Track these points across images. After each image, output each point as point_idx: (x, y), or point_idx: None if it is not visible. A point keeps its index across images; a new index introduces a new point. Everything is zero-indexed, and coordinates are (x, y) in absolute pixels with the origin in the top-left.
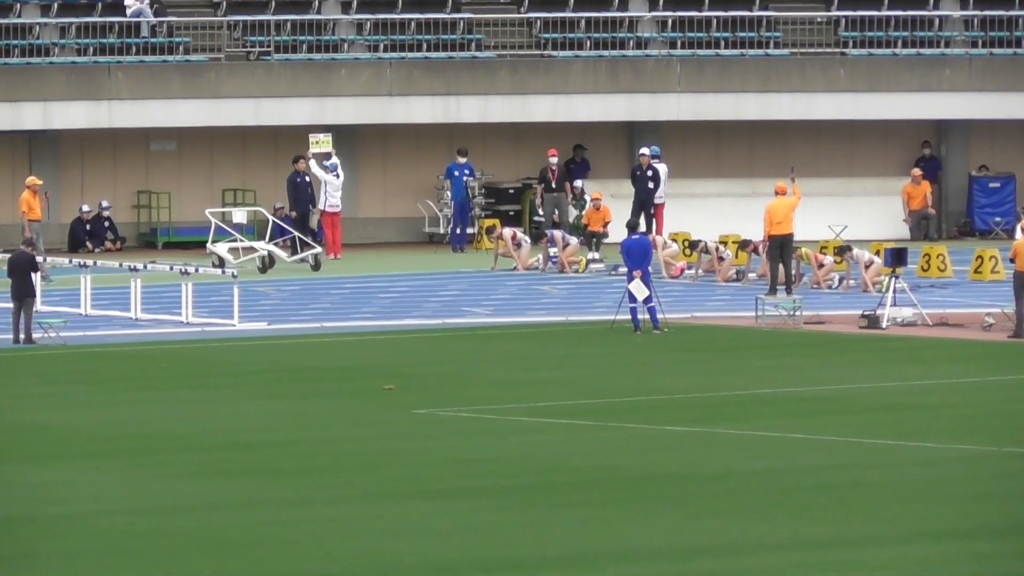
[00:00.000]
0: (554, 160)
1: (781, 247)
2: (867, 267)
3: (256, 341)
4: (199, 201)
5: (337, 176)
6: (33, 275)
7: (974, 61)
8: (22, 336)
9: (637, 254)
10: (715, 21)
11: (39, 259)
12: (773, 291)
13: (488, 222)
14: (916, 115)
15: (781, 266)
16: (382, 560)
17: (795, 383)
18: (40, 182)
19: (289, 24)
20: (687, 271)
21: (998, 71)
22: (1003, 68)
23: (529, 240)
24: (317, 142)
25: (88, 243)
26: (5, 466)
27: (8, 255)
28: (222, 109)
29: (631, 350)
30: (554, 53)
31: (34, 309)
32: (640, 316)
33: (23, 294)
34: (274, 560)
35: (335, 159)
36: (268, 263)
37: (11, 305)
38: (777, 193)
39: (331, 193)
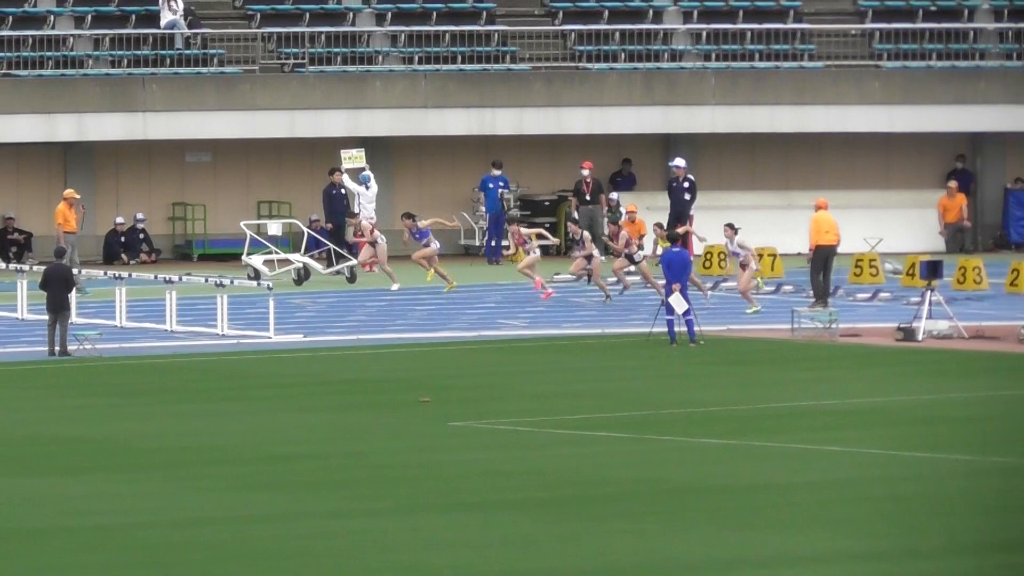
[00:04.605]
0: (586, 172)
1: (825, 259)
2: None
3: (292, 353)
4: (234, 213)
5: (367, 188)
6: (69, 288)
7: (1009, 73)
8: (57, 348)
9: (676, 267)
10: (749, 34)
11: (74, 271)
12: (822, 301)
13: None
14: (951, 128)
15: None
16: (418, 573)
17: (831, 395)
18: (77, 195)
19: (323, 36)
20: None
21: None
22: None
23: (538, 252)
24: (350, 157)
25: (123, 255)
26: (41, 478)
27: (44, 267)
28: (257, 121)
29: (667, 362)
30: (589, 65)
31: (69, 321)
32: (677, 328)
33: (59, 307)
34: (310, 572)
35: (368, 171)
36: (304, 275)
37: (47, 317)
38: (818, 208)
39: (364, 206)
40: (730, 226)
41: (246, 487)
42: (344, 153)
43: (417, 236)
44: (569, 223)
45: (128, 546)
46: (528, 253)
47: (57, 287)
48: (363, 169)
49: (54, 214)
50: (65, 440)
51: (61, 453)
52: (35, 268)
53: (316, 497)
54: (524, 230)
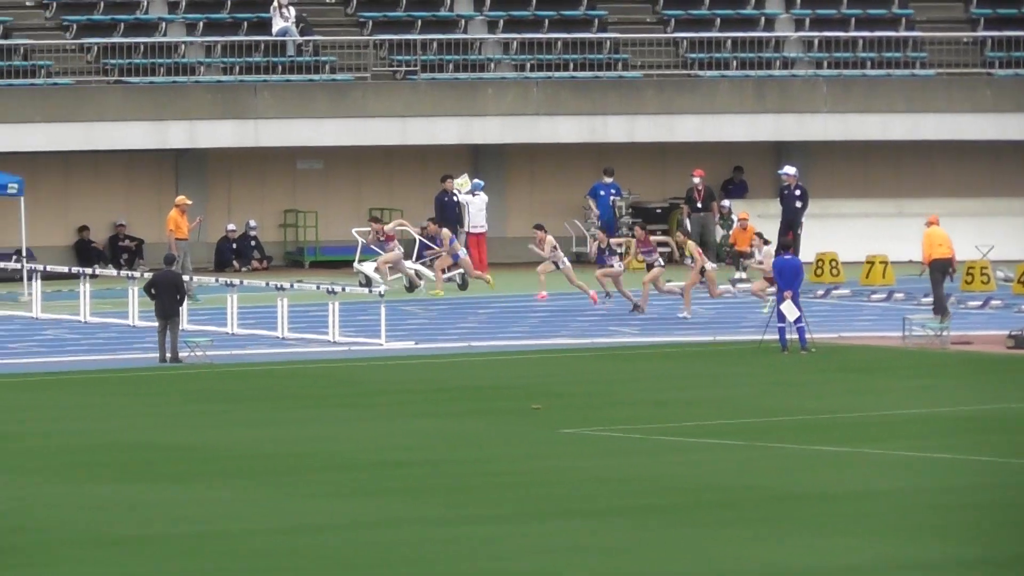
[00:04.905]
0: (697, 180)
1: (943, 272)
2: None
3: (403, 360)
4: (346, 220)
5: (474, 194)
6: (179, 295)
7: None
8: (169, 355)
9: (788, 274)
10: (861, 41)
11: (185, 278)
12: (943, 312)
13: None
14: None
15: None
16: None
17: (942, 403)
18: (189, 202)
19: (435, 43)
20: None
21: None
22: None
23: (566, 262)
24: (460, 184)
25: (235, 262)
26: (149, 484)
27: (153, 274)
28: (368, 128)
29: (778, 370)
30: (700, 73)
31: (180, 328)
32: (788, 336)
33: (168, 313)
34: None
35: (477, 180)
36: (415, 282)
37: (157, 324)
38: (930, 223)
39: (474, 214)
40: (759, 235)
41: (356, 494)
42: (457, 182)
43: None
44: (599, 231)
45: (236, 553)
46: (560, 264)
47: (166, 294)
48: (473, 192)
49: (166, 221)
50: (174, 447)
51: (170, 460)
52: (146, 275)
53: (427, 504)
54: (551, 238)
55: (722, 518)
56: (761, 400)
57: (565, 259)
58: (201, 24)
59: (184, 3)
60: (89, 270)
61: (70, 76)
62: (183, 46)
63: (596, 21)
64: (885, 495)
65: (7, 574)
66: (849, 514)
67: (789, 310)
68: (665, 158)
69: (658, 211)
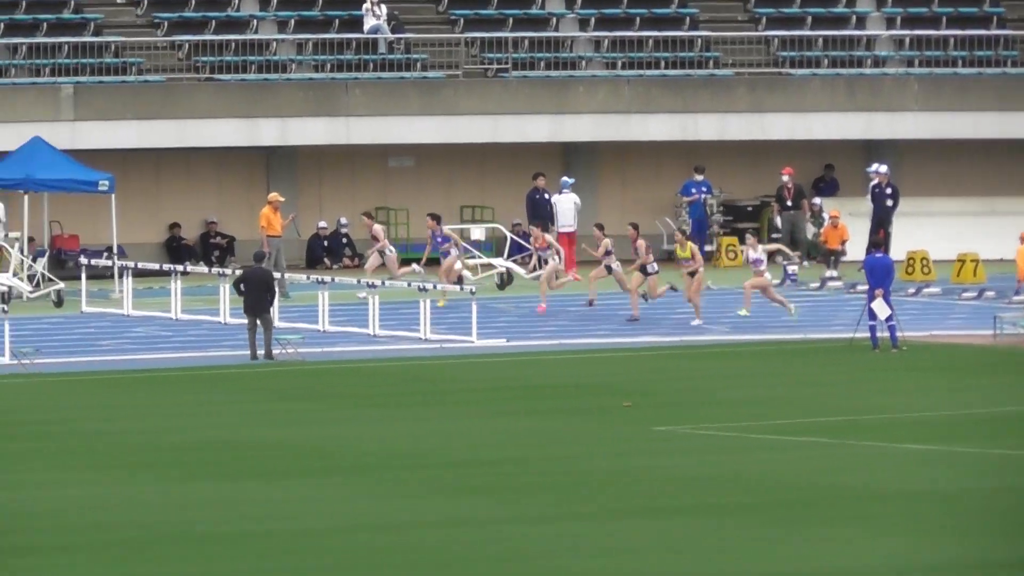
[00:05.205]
0: (786, 178)
1: None
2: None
3: (495, 358)
4: None
5: (562, 193)
6: (269, 292)
7: None
8: (261, 352)
9: (879, 272)
10: (952, 40)
11: (277, 275)
12: None
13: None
14: None
15: None
16: None
17: None
18: (282, 199)
19: (527, 41)
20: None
21: None
22: None
23: (618, 266)
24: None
25: (326, 259)
26: (242, 482)
27: (243, 270)
28: (460, 126)
29: (869, 368)
30: (792, 71)
31: (272, 326)
32: (879, 334)
33: (258, 310)
34: None
35: (566, 178)
36: (506, 280)
37: (247, 321)
38: (1023, 239)
39: (563, 213)
40: (753, 233)
41: (448, 492)
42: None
43: (440, 240)
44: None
45: (328, 550)
46: (545, 262)
47: (256, 290)
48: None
49: (258, 217)
50: (265, 444)
51: (261, 457)
52: (237, 272)
53: (518, 502)
54: (549, 236)
55: (811, 516)
56: (851, 398)
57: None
58: (292, 21)
59: (275, 0)
60: (180, 267)
61: (161, 73)
62: (274, 43)
63: (687, 19)
64: (976, 495)
65: (102, 571)
66: (942, 513)
67: (880, 308)
68: (756, 156)
69: (749, 209)
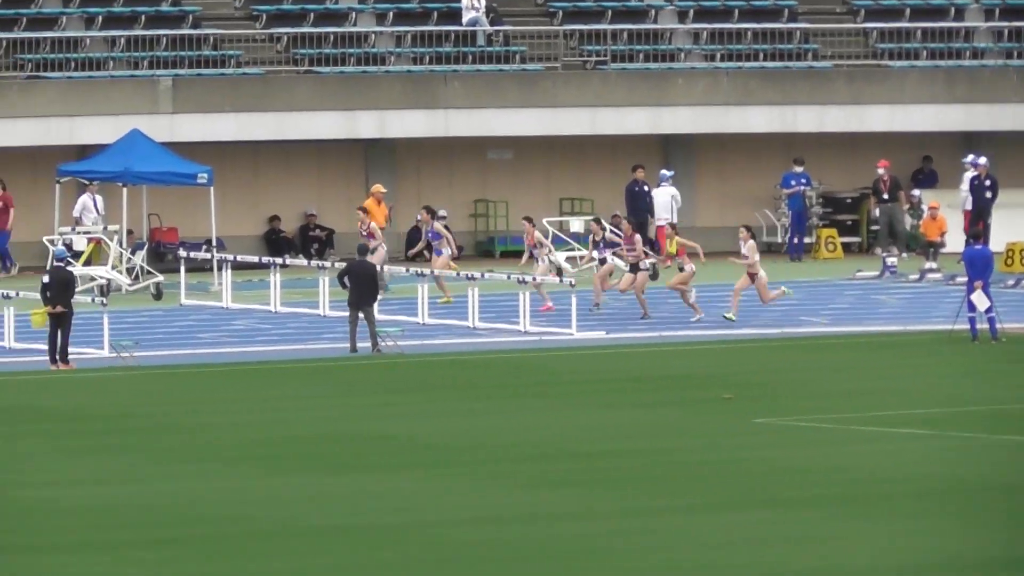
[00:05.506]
0: (882, 171)
1: None
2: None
3: (594, 350)
4: (536, 210)
5: (660, 185)
6: (373, 285)
7: None
8: (360, 345)
9: (979, 264)
10: None
11: (378, 268)
12: None
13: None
14: None
15: None
16: (720, 570)
17: None
18: (384, 190)
19: (625, 33)
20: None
21: None
22: None
23: (546, 260)
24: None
25: (425, 252)
26: (346, 476)
27: (347, 263)
28: (558, 118)
29: (969, 359)
30: (890, 63)
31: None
32: (979, 326)
33: (362, 303)
34: (611, 571)
35: (664, 171)
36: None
37: (348, 313)
38: None
39: (660, 205)
40: (747, 228)
41: (547, 484)
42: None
43: (431, 236)
44: (592, 223)
45: (425, 544)
46: (539, 261)
47: (361, 284)
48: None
49: (362, 209)
50: (366, 437)
51: (365, 450)
52: (336, 265)
53: (617, 494)
54: (538, 234)
55: (910, 508)
56: (951, 389)
57: (547, 256)
58: (391, 14)
59: None
60: (279, 260)
61: (260, 66)
62: (373, 36)
63: (786, 11)
64: None
65: (211, 566)
66: None
67: (980, 300)
68: (855, 148)
69: (848, 201)
